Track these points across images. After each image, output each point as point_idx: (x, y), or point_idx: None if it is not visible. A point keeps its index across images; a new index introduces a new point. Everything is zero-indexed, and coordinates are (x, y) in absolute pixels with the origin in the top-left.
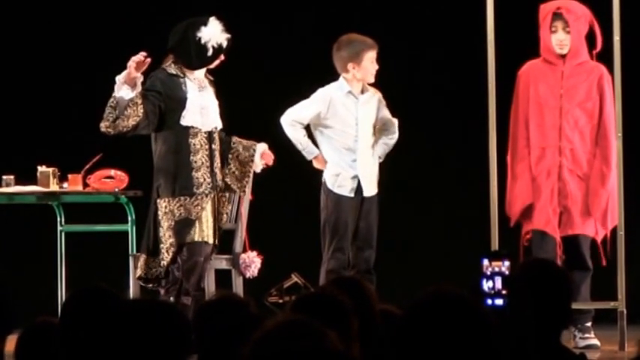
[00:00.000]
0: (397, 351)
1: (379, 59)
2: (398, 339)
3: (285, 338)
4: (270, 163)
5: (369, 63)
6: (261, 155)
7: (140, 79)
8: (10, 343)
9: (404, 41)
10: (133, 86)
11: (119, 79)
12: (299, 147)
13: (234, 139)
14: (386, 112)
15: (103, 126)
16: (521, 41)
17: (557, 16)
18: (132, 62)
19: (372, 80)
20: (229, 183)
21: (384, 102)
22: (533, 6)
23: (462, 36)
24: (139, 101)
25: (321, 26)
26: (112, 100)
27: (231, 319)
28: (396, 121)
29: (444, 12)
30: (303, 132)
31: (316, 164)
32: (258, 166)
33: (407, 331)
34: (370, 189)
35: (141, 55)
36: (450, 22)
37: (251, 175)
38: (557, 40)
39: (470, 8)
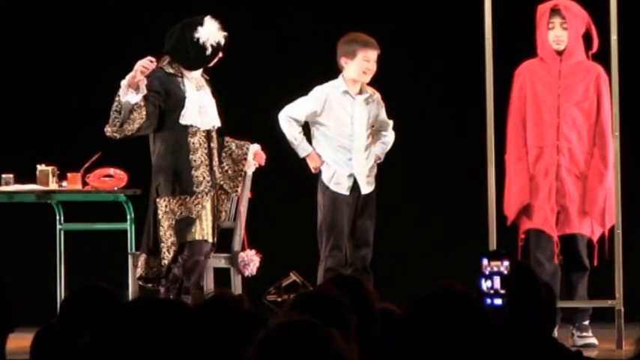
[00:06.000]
0: (399, 347)
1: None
2: (400, 335)
3: (289, 339)
4: (263, 163)
5: (362, 60)
6: (254, 155)
7: (144, 82)
8: (11, 341)
9: (401, 41)
10: (137, 89)
11: (123, 83)
12: (293, 143)
13: (227, 138)
14: (382, 113)
15: (110, 131)
16: (519, 41)
17: (554, 12)
18: (139, 66)
19: (365, 80)
20: (221, 182)
21: (382, 103)
22: (530, 5)
23: (459, 35)
24: (142, 104)
25: (319, 25)
26: (116, 104)
27: (224, 317)
28: (390, 122)
29: (441, 11)
30: (299, 129)
31: (309, 162)
32: (250, 166)
33: (410, 328)
34: (366, 187)
35: (148, 60)
36: (448, 22)
37: (243, 174)
38: (555, 36)
39: (467, 7)
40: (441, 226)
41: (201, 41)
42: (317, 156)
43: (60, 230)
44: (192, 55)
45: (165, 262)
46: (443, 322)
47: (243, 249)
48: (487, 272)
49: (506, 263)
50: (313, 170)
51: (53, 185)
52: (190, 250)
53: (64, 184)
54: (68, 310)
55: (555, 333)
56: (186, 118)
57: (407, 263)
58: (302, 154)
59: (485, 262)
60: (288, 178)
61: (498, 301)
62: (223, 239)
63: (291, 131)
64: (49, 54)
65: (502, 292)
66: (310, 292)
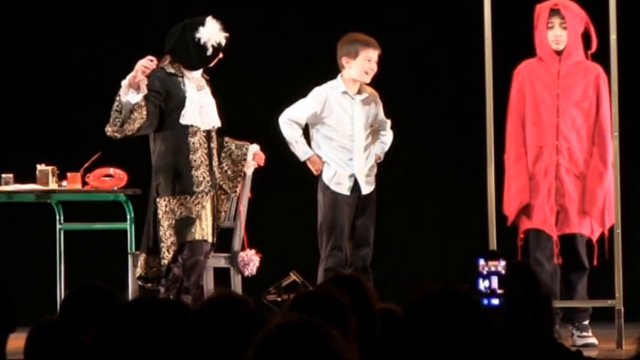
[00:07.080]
0: (399, 347)
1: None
2: (400, 335)
3: (289, 339)
4: (262, 163)
5: (364, 60)
6: (253, 156)
7: (145, 82)
8: (11, 341)
9: (401, 40)
10: (137, 89)
11: (124, 83)
12: (294, 146)
13: (226, 138)
14: (381, 112)
15: (110, 130)
16: (518, 40)
17: (554, 12)
18: (139, 66)
19: (366, 80)
20: (221, 183)
21: (380, 103)
22: (530, 5)
23: (459, 35)
24: (143, 103)
25: (319, 26)
26: (116, 104)
27: (230, 317)
28: (389, 121)
29: (441, 11)
30: (300, 132)
31: (310, 165)
32: (250, 166)
33: (410, 327)
34: (367, 187)
35: (148, 60)
36: (448, 21)
37: (243, 174)
38: (554, 35)
39: (467, 7)
40: (440, 226)
41: (202, 41)
42: (318, 158)
43: (60, 230)
44: (193, 55)
45: (165, 261)
46: (443, 322)
47: (242, 249)
48: (484, 272)
49: (503, 263)
50: (315, 173)
51: (53, 185)
52: (190, 249)
53: (64, 183)
54: (68, 310)
55: (555, 333)
56: (186, 118)
57: (407, 263)
58: (302, 157)
59: (482, 261)
60: (288, 178)
61: (495, 301)
62: (223, 239)
63: (292, 134)
64: (49, 54)
65: (499, 292)
66: (310, 292)
